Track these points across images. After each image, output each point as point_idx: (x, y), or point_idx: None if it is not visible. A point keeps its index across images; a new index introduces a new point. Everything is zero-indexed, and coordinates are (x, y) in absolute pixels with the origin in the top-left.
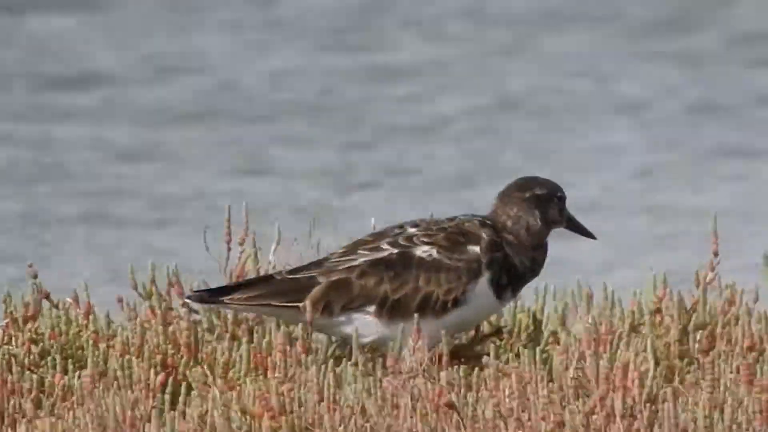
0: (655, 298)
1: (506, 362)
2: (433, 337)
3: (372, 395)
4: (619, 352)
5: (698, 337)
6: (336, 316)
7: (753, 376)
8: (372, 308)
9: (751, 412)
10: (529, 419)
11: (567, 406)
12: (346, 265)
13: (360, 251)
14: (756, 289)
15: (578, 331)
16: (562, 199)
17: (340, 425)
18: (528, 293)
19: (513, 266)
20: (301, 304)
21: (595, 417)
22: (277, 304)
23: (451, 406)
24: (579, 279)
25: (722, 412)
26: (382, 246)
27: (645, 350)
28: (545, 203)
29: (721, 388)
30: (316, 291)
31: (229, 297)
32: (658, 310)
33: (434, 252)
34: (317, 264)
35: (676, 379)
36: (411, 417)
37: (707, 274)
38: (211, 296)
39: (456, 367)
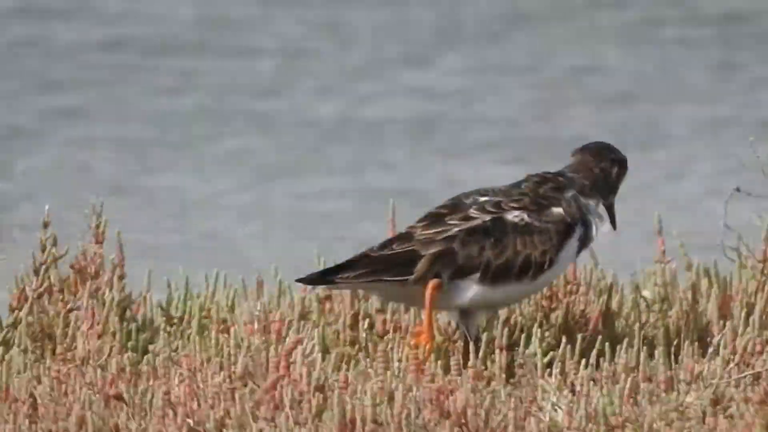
0: None
1: (176, 350)
2: (524, 298)
3: (41, 383)
4: (287, 340)
5: (365, 326)
6: (444, 286)
7: (422, 364)
8: (476, 276)
9: (421, 400)
10: (199, 407)
11: (237, 394)
12: (444, 236)
13: (450, 221)
14: None
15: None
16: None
17: (9, 413)
18: (199, 280)
19: (588, 222)
20: (410, 278)
21: (263, 407)
22: (389, 278)
23: (118, 397)
24: (257, 267)
25: (392, 400)
26: (471, 214)
27: (314, 338)
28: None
29: (389, 377)
30: (422, 263)
31: (340, 276)
32: (328, 297)
33: (525, 216)
34: (406, 237)
35: (344, 367)
36: (81, 407)
37: None
38: (322, 277)
39: (125, 354)
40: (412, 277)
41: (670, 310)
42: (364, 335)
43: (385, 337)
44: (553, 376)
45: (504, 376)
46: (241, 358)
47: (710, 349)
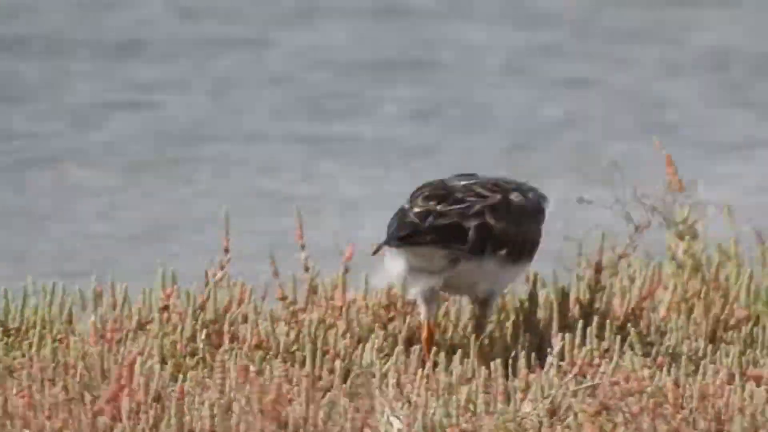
0: (163, 296)
1: (14, 359)
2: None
3: None
4: (124, 350)
5: (203, 336)
6: (486, 261)
7: (259, 374)
8: (504, 252)
9: (257, 410)
10: (36, 418)
11: (74, 405)
12: (473, 210)
13: (464, 197)
14: (265, 286)
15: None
16: None
17: None
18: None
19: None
20: (464, 247)
21: (101, 418)
22: (460, 247)
23: None
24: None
25: (229, 410)
26: (482, 192)
27: (152, 348)
28: None
29: (227, 388)
30: (472, 233)
31: (412, 240)
32: (166, 308)
33: (521, 198)
34: (437, 213)
35: (180, 377)
36: None
37: (216, 271)
38: (399, 239)
39: None
40: (466, 246)
41: (508, 321)
42: (202, 346)
43: (222, 348)
44: (389, 387)
45: (343, 385)
46: (79, 369)
47: (548, 360)
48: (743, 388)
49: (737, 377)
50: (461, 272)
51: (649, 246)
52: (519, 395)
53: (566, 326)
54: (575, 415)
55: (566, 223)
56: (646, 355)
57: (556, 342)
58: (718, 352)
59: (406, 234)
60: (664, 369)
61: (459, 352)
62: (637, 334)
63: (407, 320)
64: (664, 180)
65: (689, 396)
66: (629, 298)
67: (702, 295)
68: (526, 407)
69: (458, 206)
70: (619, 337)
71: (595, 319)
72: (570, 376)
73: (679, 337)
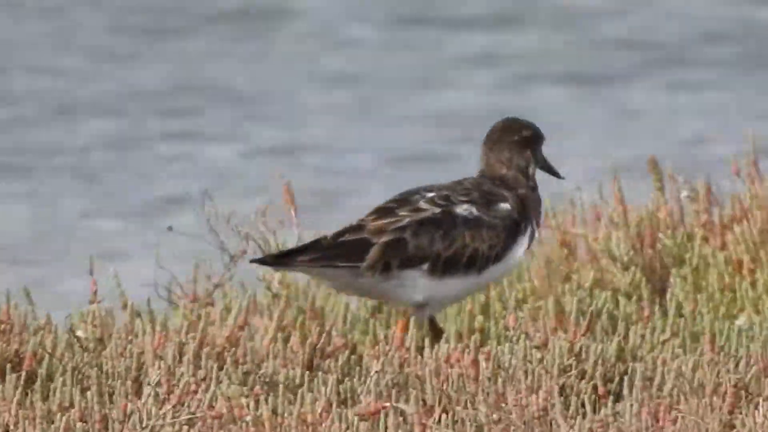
0: None
1: None
2: (471, 293)
3: None
4: None
5: None
6: (392, 276)
7: None
8: (426, 266)
9: None
10: None
11: None
12: (395, 226)
13: (400, 213)
14: None
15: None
16: (542, 138)
17: None
18: None
19: (535, 218)
20: (362, 264)
21: None
22: (342, 264)
23: None
24: None
25: None
26: (421, 206)
27: None
28: (533, 144)
29: None
30: (374, 250)
31: (297, 259)
32: None
33: (474, 209)
34: (357, 228)
35: None
36: None
37: None
38: (276, 259)
39: None
40: (364, 264)
41: (105, 350)
42: None
43: None
44: None
45: None
46: None
47: (146, 389)
48: (340, 417)
49: (334, 405)
50: (371, 288)
51: (247, 275)
52: (117, 425)
53: (163, 355)
54: None
55: (159, 251)
56: (243, 383)
57: (153, 371)
58: (316, 380)
59: (284, 256)
60: (262, 398)
61: (59, 381)
62: (234, 362)
63: (4, 349)
64: (260, 209)
65: (288, 425)
66: (225, 327)
67: (299, 324)
68: None
69: (385, 221)
70: (216, 366)
71: (192, 348)
72: (168, 405)
73: (276, 366)
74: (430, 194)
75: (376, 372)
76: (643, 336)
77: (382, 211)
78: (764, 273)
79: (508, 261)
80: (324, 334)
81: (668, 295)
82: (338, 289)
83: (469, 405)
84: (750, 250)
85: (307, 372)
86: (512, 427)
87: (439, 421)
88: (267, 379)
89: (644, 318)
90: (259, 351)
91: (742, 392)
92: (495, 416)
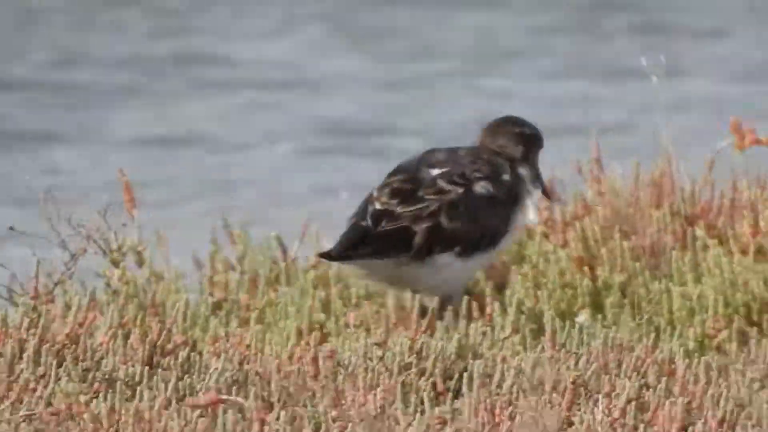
0: None
1: None
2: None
3: None
4: None
5: None
6: (429, 262)
7: None
8: (458, 249)
9: None
10: None
11: None
12: (429, 211)
13: (426, 196)
14: None
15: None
16: (541, 142)
17: None
18: None
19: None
20: (409, 254)
21: None
22: (393, 256)
23: None
24: None
25: None
26: (444, 187)
27: None
28: (531, 145)
29: None
30: (418, 238)
31: (355, 252)
32: None
33: (490, 186)
34: (390, 216)
35: None
36: None
37: None
38: (339, 254)
39: None
40: (411, 253)
41: None
42: None
43: None
44: None
45: None
46: None
47: None
48: (179, 413)
49: (174, 402)
50: (413, 275)
51: (87, 273)
52: None
53: (2, 353)
54: None
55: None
56: (83, 380)
57: None
58: (155, 378)
59: (346, 249)
60: (101, 394)
61: None
62: (74, 359)
63: None
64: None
65: (125, 422)
66: (66, 325)
67: (139, 321)
68: None
69: (414, 207)
70: (55, 363)
71: (33, 344)
72: (7, 402)
73: (116, 362)
74: (439, 170)
75: (215, 369)
76: (483, 333)
77: (402, 195)
78: (605, 270)
79: (514, 232)
80: (164, 331)
81: (508, 292)
82: (372, 280)
83: (308, 402)
84: (590, 248)
85: (147, 369)
86: (350, 425)
87: (278, 418)
88: (106, 376)
89: (485, 315)
90: (99, 348)
91: (582, 389)
92: (333, 413)
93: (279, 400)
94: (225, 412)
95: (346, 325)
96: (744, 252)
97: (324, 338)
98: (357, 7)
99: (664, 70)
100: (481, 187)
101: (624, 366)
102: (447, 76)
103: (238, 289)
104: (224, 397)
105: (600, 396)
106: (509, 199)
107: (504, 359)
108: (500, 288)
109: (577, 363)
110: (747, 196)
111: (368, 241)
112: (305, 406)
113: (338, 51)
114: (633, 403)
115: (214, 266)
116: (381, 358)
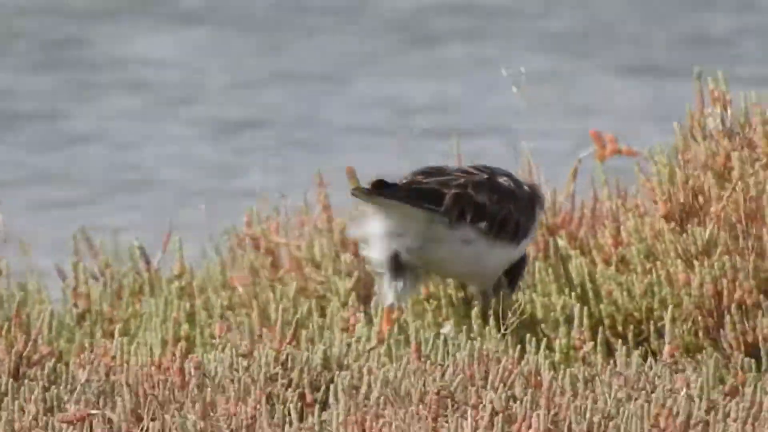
0: None
1: None
2: (504, 267)
3: None
4: None
5: None
6: (461, 227)
7: None
8: (484, 224)
9: None
10: None
11: None
12: (457, 182)
13: (451, 173)
14: None
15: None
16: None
17: None
18: None
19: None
20: (440, 209)
21: None
22: (426, 206)
23: None
24: None
25: None
26: (470, 171)
27: None
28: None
29: None
30: (449, 197)
31: (390, 193)
32: None
33: (511, 183)
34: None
35: None
36: None
37: None
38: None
39: None
40: (442, 208)
41: None
42: None
43: None
44: None
45: None
46: None
47: None
48: (47, 426)
49: (41, 413)
50: (438, 240)
51: None
52: None
53: None
54: None
55: None
56: None
57: None
58: (22, 389)
59: (379, 188)
60: None
61: None
62: None
63: None
64: None
65: None
66: None
67: (4, 332)
68: None
69: (442, 178)
70: None
71: None
72: None
73: None
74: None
75: (82, 383)
76: (349, 344)
77: (428, 173)
78: None
79: (531, 238)
80: (30, 342)
81: (373, 303)
82: (398, 242)
83: (176, 413)
84: None
85: (13, 380)
86: None
87: (147, 429)
88: None
89: (350, 326)
90: None
91: (448, 401)
92: (202, 424)
93: (147, 412)
94: (90, 424)
95: (212, 336)
96: (606, 262)
97: (190, 349)
98: None
99: (524, 79)
100: (503, 180)
101: (490, 378)
102: None
103: (101, 300)
104: (93, 411)
105: (468, 407)
106: (529, 201)
107: (370, 370)
108: (365, 299)
109: (443, 374)
110: (608, 207)
111: (401, 188)
112: (174, 417)
113: None
114: (500, 415)
115: (77, 276)
116: (247, 369)
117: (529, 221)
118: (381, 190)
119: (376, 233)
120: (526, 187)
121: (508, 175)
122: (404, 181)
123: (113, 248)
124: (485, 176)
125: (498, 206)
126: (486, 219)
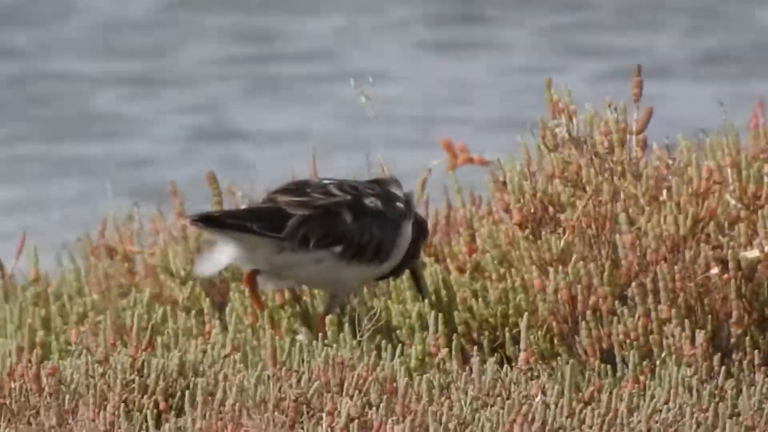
0: None
1: None
2: (364, 284)
3: None
4: None
5: None
6: (310, 251)
7: None
8: (338, 248)
9: None
10: None
11: None
12: (312, 204)
13: (312, 194)
14: None
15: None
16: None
17: None
18: None
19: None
20: (282, 234)
21: None
22: (263, 232)
23: None
24: None
25: None
26: (332, 191)
27: None
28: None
29: None
30: (294, 221)
31: (227, 222)
32: None
33: (378, 203)
34: (270, 202)
35: None
36: None
37: None
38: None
39: None
40: (284, 233)
41: None
42: None
43: None
44: None
45: None
46: None
47: None
48: None
49: None
50: (287, 264)
51: None
52: None
53: None
54: None
55: None
56: None
57: None
58: None
59: (211, 215)
60: None
61: None
62: None
63: None
64: None
65: None
66: None
67: None
68: None
69: (298, 198)
70: None
71: None
72: None
73: None
74: (330, 181)
75: None
76: (204, 351)
77: (287, 191)
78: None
79: (396, 258)
80: None
81: (228, 309)
82: (254, 265)
83: (32, 420)
84: None
85: None
86: None
87: None
88: None
89: (205, 333)
90: None
91: (304, 407)
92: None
93: (3, 418)
94: None
95: (68, 343)
96: (461, 270)
97: (45, 356)
98: None
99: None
100: (369, 201)
101: (346, 384)
102: None
103: None
104: None
105: (324, 414)
106: (396, 221)
107: (225, 377)
108: (221, 306)
109: (299, 381)
110: (462, 214)
111: (240, 213)
112: (30, 423)
113: None
114: (356, 421)
115: None
116: (103, 376)
117: (397, 238)
118: (217, 221)
119: (226, 262)
120: (399, 204)
121: (386, 194)
122: (249, 205)
123: None
124: (348, 197)
125: (357, 228)
126: (341, 242)
